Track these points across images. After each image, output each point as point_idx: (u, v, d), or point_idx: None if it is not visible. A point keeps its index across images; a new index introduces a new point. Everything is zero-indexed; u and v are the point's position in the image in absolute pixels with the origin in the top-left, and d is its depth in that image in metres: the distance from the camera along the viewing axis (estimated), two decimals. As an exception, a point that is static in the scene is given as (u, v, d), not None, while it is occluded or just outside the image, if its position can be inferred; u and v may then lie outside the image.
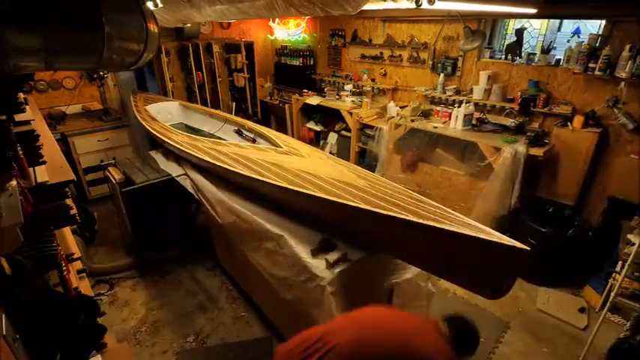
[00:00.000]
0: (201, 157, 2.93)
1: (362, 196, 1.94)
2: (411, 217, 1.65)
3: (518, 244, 1.43)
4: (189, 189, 3.12)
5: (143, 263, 3.60)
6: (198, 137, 3.47)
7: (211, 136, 4.18)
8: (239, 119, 4.42)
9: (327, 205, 1.98)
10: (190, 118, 4.81)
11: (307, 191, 2.05)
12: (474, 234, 1.49)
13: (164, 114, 4.58)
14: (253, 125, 4.08)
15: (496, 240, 1.45)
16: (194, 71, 5.70)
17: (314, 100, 5.56)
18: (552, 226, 3.49)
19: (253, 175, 2.40)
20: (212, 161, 2.79)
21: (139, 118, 4.13)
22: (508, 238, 1.47)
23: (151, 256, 3.64)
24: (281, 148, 3.08)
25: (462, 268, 1.71)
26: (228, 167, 2.63)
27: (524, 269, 1.46)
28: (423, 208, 1.79)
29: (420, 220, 1.61)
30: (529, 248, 1.42)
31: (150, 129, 3.80)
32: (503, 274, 1.57)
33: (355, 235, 2.20)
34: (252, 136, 4.02)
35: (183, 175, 3.22)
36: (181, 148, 3.20)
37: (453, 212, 1.78)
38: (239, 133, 4.22)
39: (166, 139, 3.43)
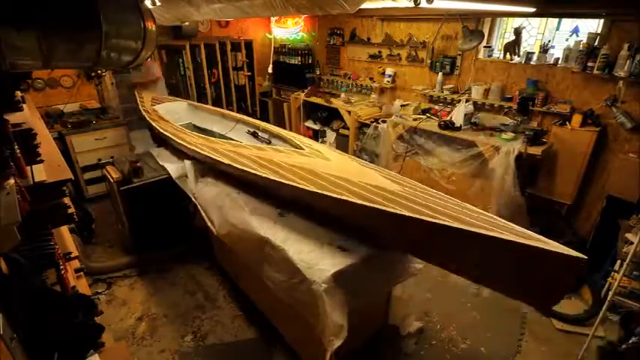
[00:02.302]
0: (221, 160, 2.76)
1: (399, 202, 1.85)
2: (461, 226, 1.57)
3: (574, 253, 1.37)
4: (188, 192, 3.08)
5: (141, 262, 3.59)
6: (214, 139, 3.31)
7: (222, 137, 4.00)
8: (251, 120, 4.20)
9: (369, 213, 1.87)
10: (199, 118, 4.68)
11: (346, 198, 1.94)
12: (530, 243, 1.43)
13: (172, 114, 4.46)
14: (267, 126, 3.89)
15: (553, 249, 1.39)
16: (205, 70, 5.71)
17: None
18: (550, 225, 3.50)
19: (283, 181, 2.25)
20: (235, 165, 2.62)
21: (149, 119, 4.05)
22: (564, 247, 1.41)
23: (149, 255, 3.63)
24: (303, 150, 2.91)
25: (513, 276, 1.63)
26: (255, 171, 2.45)
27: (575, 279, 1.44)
28: (470, 215, 1.70)
29: (471, 229, 1.53)
30: (586, 257, 1.37)
31: (161, 130, 3.67)
32: (558, 284, 1.51)
33: (392, 242, 2.14)
34: (267, 137, 3.81)
35: (184, 176, 3.18)
36: (198, 150, 3.02)
37: (499, 219, 1.70)
38: (254, 134, 3.98)
39: (180, 141, 3.29)
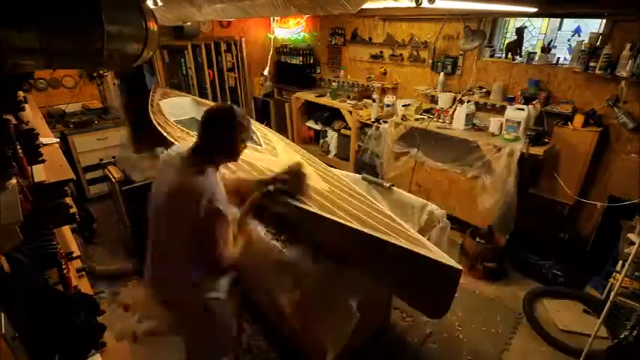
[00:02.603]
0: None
1: (316, 199, 1.97)
2: (357, 226, 1.69)
3: (453, 264, 1.44)
4: None
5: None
6: (192, 132, 3.44)
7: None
8: None
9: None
10: (201, 113, 4.78)
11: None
12: (413, 249, 1.51)
13: (177, 109, 4.58)
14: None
15: (432, 257, 1.46)
16: (206, 70, 5.74)
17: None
18: (552, 225, 3.50)
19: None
20: None
21: (150, 111, 4.12)
22: (446, 256, 1.48)
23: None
24: (260, 146, 3.04)
25: (401, 282, 1.72)
26: None
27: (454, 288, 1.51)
28: (374, 218, 1.82)
29: (368, 231, 1.64)
30: (461, 268, 1.44)
31: (155, 122, 3.74)
32: (439, 293, 1.56)
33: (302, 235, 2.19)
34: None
35: None
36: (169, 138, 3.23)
37: (402, 223, 1.79)
38: None
39: (162, 131, 3.44)
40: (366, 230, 1.64)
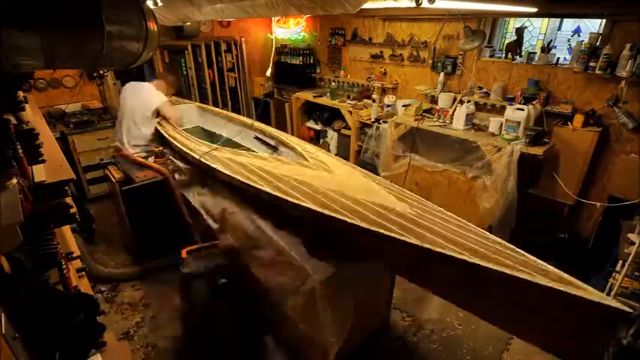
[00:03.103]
0: (215, 167, 2.70)
1: (406, 225, 1.70)
2: (485, 264, 1.37)
3: (617, 305, 1.15)
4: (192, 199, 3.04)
5: (147, 269, 3.53)
6: (215, 145, 3.20)
7: (229, 141, 3.92)
8: (261, 125, 4.03)
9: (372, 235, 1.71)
10: (208, 121, 4.61)
11: (345, 218, 1.80)
12: (566, 289, 1.23)
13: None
14: (274, 131, 3.74)
15: (591, 298, 1.19)
16: (206, 70, 5.73)
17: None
18: (552, 225, 3.49)
19: (275, 193, 2.16)
20: (227, 172, 2.57)
21: (156, 123, 4.00)
22: (605, 296, 1.21)
23: (153, 261, 3.55)
24: (307, 161, 2.77)
25: (539, 324, 1.43)
26: (246, 181, 2.39)
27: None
28: (489, 248, 1.50)
29: (498, 268, 1.34)
30: (632, 311, 1.13)
31: (165, 134, 3.60)
32: (596, 339, 1.28)
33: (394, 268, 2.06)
34: (273, 143, 3.68)
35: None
36: (195, 156, 2.97)
37: (526, 254, 1.48)
38: (259, 140, 3.87)
39: (180, 146, 3.24)
40: (508, 271, 1.31)
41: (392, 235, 1.62)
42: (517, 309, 1.43)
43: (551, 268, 1.37)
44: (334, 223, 1.86)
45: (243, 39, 6.16)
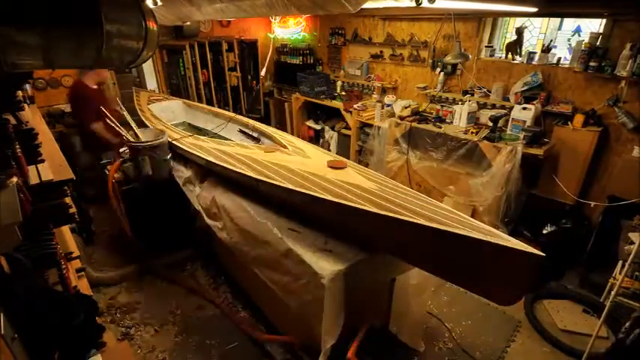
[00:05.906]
0: (204, 156, 2.95)
1: (369, 199, 1.96)
2: (421, 221, 1.68)
3: (532, 250, 1.43)
4: (191, 197, 3.13)
5: (144, 270, 3.52)
6: (201, 137, 3.46)
7: (215, 135, 4.10)
8: (243, 118, 4.38)
9: (334, 208, 2.00)
10: (193, 117, 4.80)
11: (315, 194, 2.07)
12: (487, 238, 1.50)
13: (167, 113, 4.55)
14: (257, 124, 4.06)
15: (510, 245, 1.46)
16: (199, 70, 5.70)
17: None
18: (552, 225, 3.49)
19: (258, 177, 2.42)
20: (215, 161, 2.82)
21: (142, 117, 4.09)
22: (522, 244, 1.48)
23: (152, 261, 3.55)
24: (287, 148, 3.07)
25: (471, 273, 1.72)
26: (233, 167, 2.65)
27: (537, 278, 1.61)
28: (434, 212, 1.80)
29: (432, 224, 1.64)
30: (544, 254, 1.42)
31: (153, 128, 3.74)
32: (516, 281, 1.58)
33: (359, 236, 2.18)
34: (256, 135, 4.01)
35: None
36: (184, 148, 3.22)
37: (463, 215, 1.79)
38: (243, 132, 4.19)
39: (170, 140, 3.41)
40: (443, 228, 1.62)
41: (354, 205, 1.88)
42: (464, 262, 1.71)
43: (480, 224, 1.69)
44: (310, 200, 2.12)
45: (243, 38, 6.16)
